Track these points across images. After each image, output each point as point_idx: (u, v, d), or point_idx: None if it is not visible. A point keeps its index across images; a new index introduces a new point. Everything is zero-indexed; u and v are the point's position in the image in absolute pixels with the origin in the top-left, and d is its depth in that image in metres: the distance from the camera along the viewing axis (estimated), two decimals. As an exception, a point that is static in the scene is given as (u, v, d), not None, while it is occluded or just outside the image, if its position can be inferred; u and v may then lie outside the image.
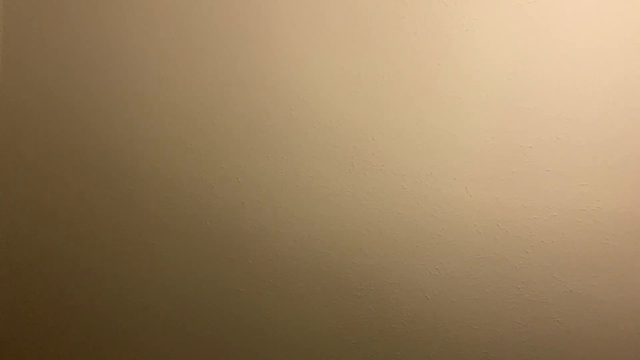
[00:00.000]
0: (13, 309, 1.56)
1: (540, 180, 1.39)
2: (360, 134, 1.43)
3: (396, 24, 1.42)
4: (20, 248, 1.55)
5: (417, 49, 1.41)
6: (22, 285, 1.56)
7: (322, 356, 1.48)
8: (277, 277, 1.47)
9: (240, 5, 1.46)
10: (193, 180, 1.49)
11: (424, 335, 1.44)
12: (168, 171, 1.49)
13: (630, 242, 1.38)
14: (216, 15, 1.47)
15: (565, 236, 1.39)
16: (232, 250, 1.48)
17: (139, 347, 1.52)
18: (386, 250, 1.44)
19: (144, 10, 1.48)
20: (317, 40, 1.44)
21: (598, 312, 1.39)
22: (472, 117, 1.40)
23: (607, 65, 1.37)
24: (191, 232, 1.50)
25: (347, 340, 1.47)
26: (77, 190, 1.53)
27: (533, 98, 1.39)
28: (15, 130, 1.54)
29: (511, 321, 1.41)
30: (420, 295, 1.43)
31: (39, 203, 1.54)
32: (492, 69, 1.39)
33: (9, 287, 1.56)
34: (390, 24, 1.42)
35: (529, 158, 1.39)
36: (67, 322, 1.54)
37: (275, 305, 1.48)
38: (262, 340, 1.49)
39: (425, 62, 1.41)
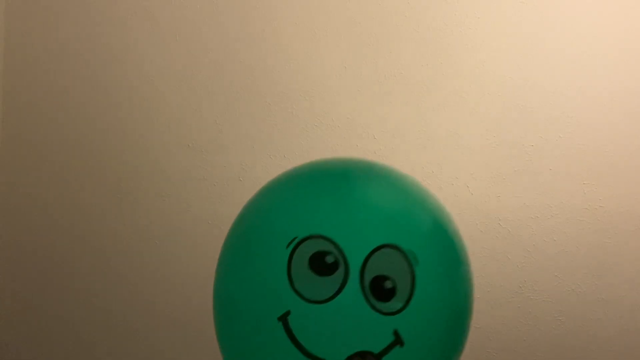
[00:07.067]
0: (13, 310, 1.56)
1: (543, 178, 1.39)
2: (362, 132, 1.43)
3: (398, 22, 1.41)
4: (22, 247, 1.55)
5: (419, 47, 1.41)
6: (24, 284, 1.56)
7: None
8: (278, 276, 1.47)
9: (241, 3, 1.46)
10: (195, 179, 1.48)
11: (426, 333, 1.44)
12: (169, 170, 1.49)
13: (633, 240, 1.38)
14: (218, 13, 1.46)
15: (567, 235, 1.39)
16: (233, 249, 1.48)
17: (141, 347, 1.53)
18: (388, 249, 1.43)
19: (147, 9, 1.48)
20: (318, 38, 1.44)
21: (600, 311, 1.38)
22: (474, 115, 1.40)
23: (610, 63, 1.36)
24: (193, 231, 1.49)
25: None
26: (79, 188, 1.52)
27: (535, 96, 1.38)
28: (18, 130, 1.54)
29: (513, 320, 1.41)
30: (421, 294, 1.43)
31: (41, 202, 1.54)
32: (494, 68, 1.39)
33: (10, 286, 1.56)
34: (392, 22, 1.41)
35: (531, 156, 1.39)
36: (68, 323, 1.54)
37: (276, 303, 1.48)
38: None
39: (427, 61, 1.41)
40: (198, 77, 1.48)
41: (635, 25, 1.36)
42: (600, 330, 1.39)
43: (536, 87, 1.38)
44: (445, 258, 0.58)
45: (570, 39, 1.37)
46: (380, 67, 1.42)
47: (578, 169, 1.38)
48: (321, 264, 0.49)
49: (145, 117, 1.49)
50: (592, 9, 1.36)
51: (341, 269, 0.50)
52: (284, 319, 0.50)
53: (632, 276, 1.38)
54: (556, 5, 1.37)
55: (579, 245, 1.38)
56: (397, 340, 0.50)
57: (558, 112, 1.38)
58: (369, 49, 1.42)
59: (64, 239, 1.54)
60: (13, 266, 1.56)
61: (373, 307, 0.50)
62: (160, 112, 1.49)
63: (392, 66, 1.41)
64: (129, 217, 1.51)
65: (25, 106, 1.53)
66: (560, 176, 1.39)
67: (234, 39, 1.46)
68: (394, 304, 0.51)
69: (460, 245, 0.63)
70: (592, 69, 1.37)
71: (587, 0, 1.37)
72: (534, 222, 1.40)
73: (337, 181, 0.56)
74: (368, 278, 0.50)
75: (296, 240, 0.51)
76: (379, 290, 0.50)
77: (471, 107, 1.40)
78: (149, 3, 1.48)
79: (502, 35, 1.38)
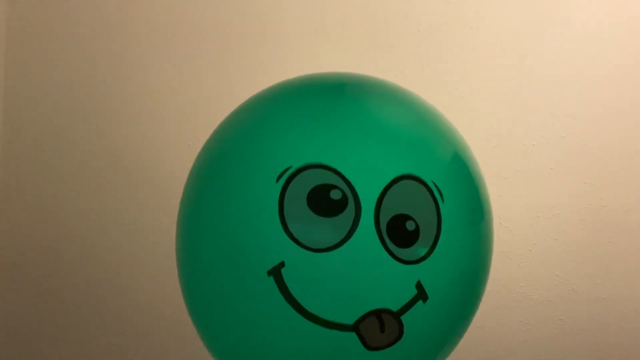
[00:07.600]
0: (14, 309, 1.57)
1: (544, 178, 1.39)
2: (363, 132, 1.43)
3: (399, 21, 1.41)
4: (22, 246, 1.56)
5: (420, 47, 1.41)
6: (24, 284, 1.56)
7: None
8: (279, 275, 1.47)
9: (241, 3, 1.46)
10: (195, 178, 1.49)
11: (427, 333, 1.44)
12: (170, 169, 1.49)
13: (634, 240, 1.37)
14: (219, 13, 1.47)
15: (568, 234, 1.38)
16: (234, 248, 1.48)
17: (142, 346, 1.53)
18: (388, 248, 1.43)
19: (147, 9, 1.48)
20: (319, 38, 1.44)
21: (600, 310, 1.38)
22: (475, 114, 1.40)
23: (612, 62, 1.36)
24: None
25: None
26: (80, 188, 1.53)
27: (536, 95, 1.38)
28: (18, 129, 1.55)
29: (513, 319, 1.40)
30: (422, 293, 1.43)
31: (42, 201, 1.55)
32: (495, 67, 1.39)
33: (10, 285, 1.57)
34: (393, 22, 1.41)
35: (532, 156, 1.39)
36: (69, 322, 1.55)
37: (277, 303, 1.48)
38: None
39: (428, 60, 1.41)
40: (199, 76, 1.48)
41: (637, 25, 1.35)
42: (601, 330, 1.38)
43: (537, 86, 1.38)
44: (470, 194, 0.44)
45: (572, 38, 1.37)
46: (380, 67, 1.42)
47: (579, 169, 1.38)
48: (324, 202, 0.36)
49: (146, 117, 1.50)
50: (594, 9, 1.36)
51: (350, 207, 0.37)
52: (276, 272, 0.36)
53: (633, 276, 1.37)
54: (558, 4, 1.37)
55: (580, 245, 1.38)
56: (421, 294, 0.40)
57: (559, 111, 1.37)
58: (369, 49, 1.42)
59: (64, 238, 1.54)
60: (13, 264, 1.57)
61: (391, 254, 0.38)
62: (161, 112, 1.49)
63: (392, 66, 1.41)
64: (130, 217, 1.52)
65: (25, 106, 1.54)
66: (561, 175, 1.38)
67: (234, 38, 1.46)
68: (417, 249, 0.40)
69: (481, 181, 0.49)
70: (594, 68, 1.36)
71: (588, 0, 1.36)
72: (535, 222, 1.39)
73: (338, 96, 0.44)
74: (385, 218, 0.38)
75: (289, 172, 0.38)
76: (399, 232, 0.39)
77: (472, 106, 1.40)
78: (149, 3, 1.48)
79: (504, 34, 1.38)
